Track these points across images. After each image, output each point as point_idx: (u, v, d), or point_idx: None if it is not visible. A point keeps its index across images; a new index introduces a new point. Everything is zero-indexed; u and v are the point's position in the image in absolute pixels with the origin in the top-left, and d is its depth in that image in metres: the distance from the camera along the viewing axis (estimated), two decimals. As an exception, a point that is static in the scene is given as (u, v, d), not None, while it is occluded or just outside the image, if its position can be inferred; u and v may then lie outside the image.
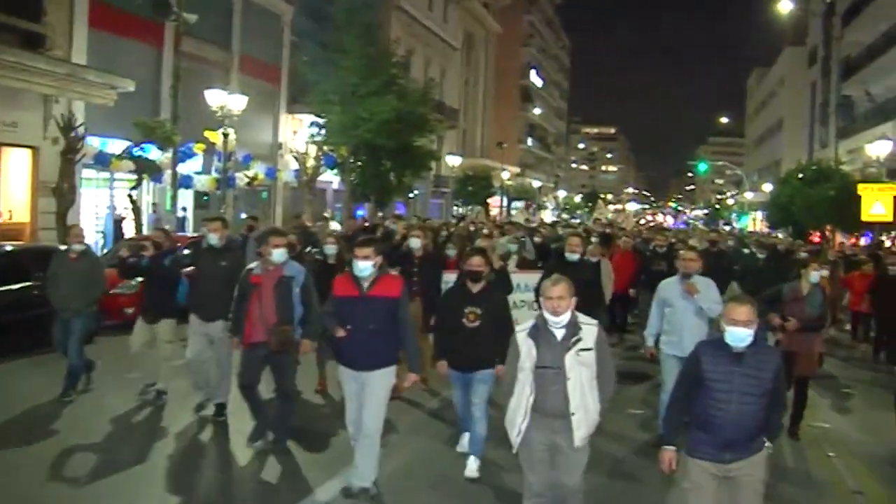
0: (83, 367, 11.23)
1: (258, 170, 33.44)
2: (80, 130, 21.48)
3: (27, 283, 13.54)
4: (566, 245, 12.26)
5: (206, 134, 27.42)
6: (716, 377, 5.80)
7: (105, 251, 21.41)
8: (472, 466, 8.52)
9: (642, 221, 64.73)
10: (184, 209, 29.45)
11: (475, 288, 8.57)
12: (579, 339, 6.25)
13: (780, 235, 34.87)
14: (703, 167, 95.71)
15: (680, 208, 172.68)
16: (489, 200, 62.99)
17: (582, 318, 6.38)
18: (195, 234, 20.23)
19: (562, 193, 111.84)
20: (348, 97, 30.98)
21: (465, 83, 68.16)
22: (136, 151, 23.78)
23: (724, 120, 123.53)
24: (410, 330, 7.92)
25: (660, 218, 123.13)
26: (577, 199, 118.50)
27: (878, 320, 17.09)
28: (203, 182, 29.64)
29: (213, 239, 10.34)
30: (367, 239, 8.18)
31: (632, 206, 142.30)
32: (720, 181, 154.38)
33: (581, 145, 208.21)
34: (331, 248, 11.91)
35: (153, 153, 24.23)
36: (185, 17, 24.09)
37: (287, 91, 38.81)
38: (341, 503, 7.73)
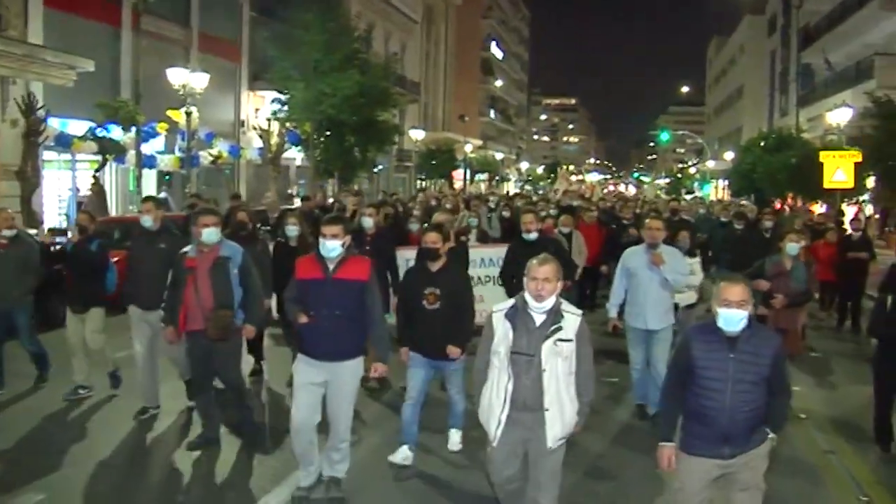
0: (43, 350, 10.84)
1: (221, 148, 33.19)
2: (42, 112, 21.21)
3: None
4: (521, 224, 11.32)
5: (169, 113, 27.22)
6: (708, 364, 5.39)
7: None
8: (454, 439, 8.33)
9: (605, 191, 64.96)
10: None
11: (434, 266, 8.01)
12: (559, 328, 5.68)
13: (745, 203, 35.04)
14: (664, 136, 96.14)
15: (642, 178, 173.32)
16: (453, 173, 63.04)
17: (566, 305, 5.86)
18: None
19: (524, 165, 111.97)
20: (310, 73, 30.79)
21: (425, 56, 67.88)
22: (100, 132, 23.53)
23: (684, 89, 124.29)
24: (379, 316, 7.28)
25: (622, 188, 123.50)
26: (540, 170, 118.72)
27: (841, 289, 17.09)
28: (166, 162, 29.38)
29: (147, 221, 9.59)
30: (335, 216, 7.66)
31: (594, 177, 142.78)
32: (681, 150, 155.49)
33: (542, 117, 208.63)
34: (292, 230, 10.98)
35: (116, 133, 23.99)
36: (142, -6, 23.83)
37: (248, 68, 38.53)
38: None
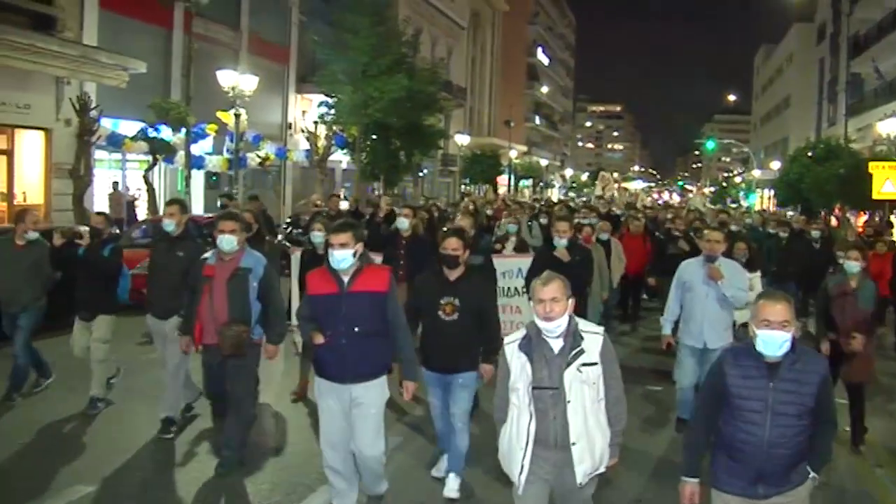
0: (31, 366, 10.12)
1: (268, 150, 33.44)
2: (95, 112, 21.54)
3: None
4: (553, 230, 10.64)
5: (219, 114, 27.46)
6: (745, 393, 4.74)
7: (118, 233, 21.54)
8: (451, 485, 7.33)
9: (650, 199, 64.50)
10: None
11: (452, 275, 7.28)
12: (581, 352, 5.05)
13: (791, 214, 34.69)
14: (710, 145, 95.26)
15: (686, 186, 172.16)
16: (497, 179, 63.03)
17: (584, 324, 5.22)
18: (209, 216, 20.35)
19: (568, 172, 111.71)
20: (358, 77, 31.01)
21: (471, 62, 67.92)
22: (151, 132, 23.83)
23: (731, 98, 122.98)
24: (404, 329, 6.64)
25: (665, 196, 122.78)
26: (584, 177, 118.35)
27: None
28: (214, 162, 29.68)
29: (170, 226, 9.00)
30: (343, 223, 6.74)
31: (637, 185, 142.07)
32: (727, 159, 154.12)
33: (587, 123, 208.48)
34: (318, 236, 10.13)
35: (166, 134, 24.30)
36: (196, -2, 24.11)
37: (296, 71, 38.78)
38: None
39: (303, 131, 36.14)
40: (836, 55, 59.84)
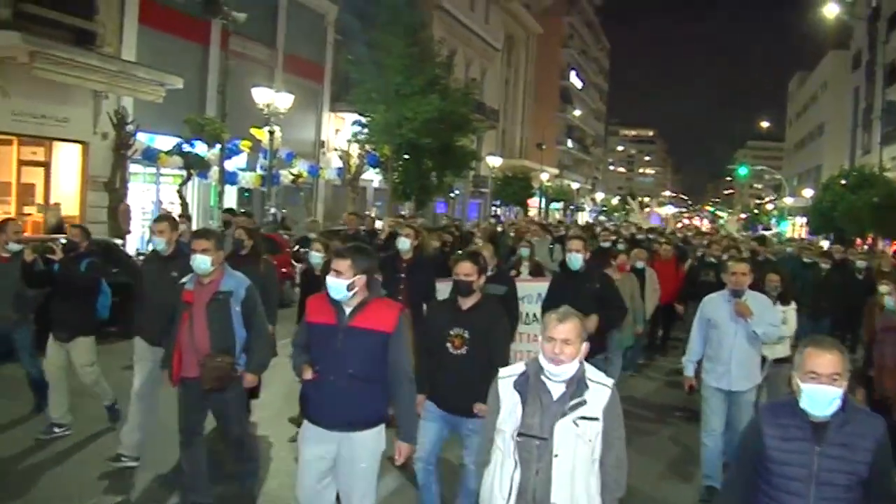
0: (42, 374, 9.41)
1: (301, 167, 33.66)
2: (132, 126, 21.79)
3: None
4: (567, 248, 9.86)
5: (253, 131, 27.67)
6: (785, 458, 4.10)
7: (150, 245, 21.73)
8: None
9: (679, 224, 64.16)
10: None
11: (466, 303, 6.57)
12: (582, 402, 4.36)
13: (826, 243, 34.38)
14: (743, 171, 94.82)
15: (718, 212, 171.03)
16: (528, 201, 63.03)
17: (592, 372, 4.53)
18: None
19: (599, 195, 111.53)
20: (391, 96, 31.15)
21: (505, 84, 68.07)
22: (186, 148, 24.06)
23: (764, 124, 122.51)
24: (407, 377, 5.69)
25: (696, 222, 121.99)
26: (615, 201, 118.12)
27: None
28: (247, 179, 29.88)
29: (160, 244, 8.28)
30: (346, 249, 5.84)
31: (668, 210, 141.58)
32: (759, 186, 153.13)
33: (619, 147, 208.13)
34: (316, 257, 9.62)
35: (201, 149, 24.53)
36: (234, 15, 24.36)
37: (330, 89, 39.02)
38: None
39: (335, 150, 36.36)
40: (872, 83, 59.49)
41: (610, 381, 4.54)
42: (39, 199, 22.62)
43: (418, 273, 9.76)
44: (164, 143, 24.85)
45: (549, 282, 10.83)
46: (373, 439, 5.66)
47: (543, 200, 70.98)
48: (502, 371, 4.68)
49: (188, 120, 24.17)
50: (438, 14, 48.83)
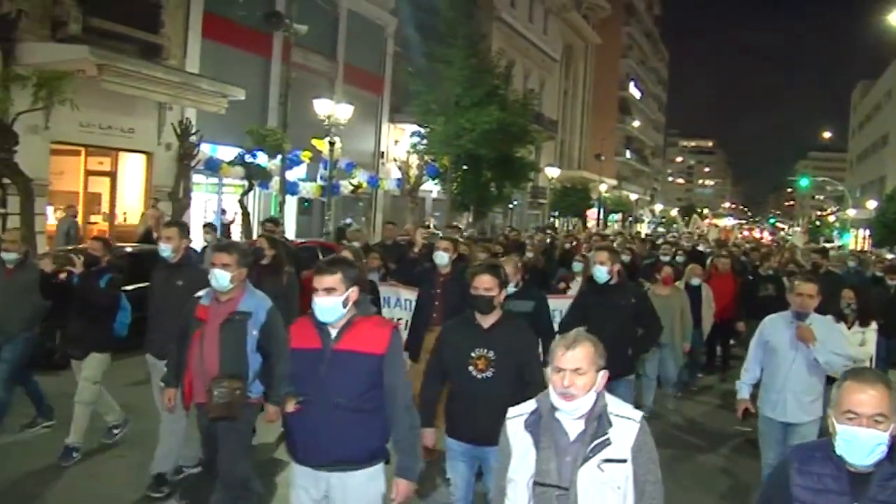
0: (8, 403, 8.85)
1: (361, 178, 33.89)
2: (195, 137, 22.15)
3: None
4: (593, 260, 8.89)
5: (313, 142, 27.93)
6: None
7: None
8: None
9: (740, 236, 63.20)
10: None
11: (487, 321, 5.78)
12: (606, 443, 3.65)
13: (892, 256, 33.68)
14: (804, 182, 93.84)
15: (778, 224, 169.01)
16: (587, 212, 62.79)
17: (615, 404, 3.81)
18: (301, 241, 20.75)
19: (658, 207, 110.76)
20: (451, 108, 31.30)
21: (563, 94, 67.94)
22: (248, 158, 24.37)
23: (826, 134, 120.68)
24: (405, 406, 4.93)
25: (756, 234, 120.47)
26: (674, 212, 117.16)
27: None
28: (308, 189, 30.18)
29: (166, 251, 7.74)
30: (332, 259, 5.24)
31: (728, 221, 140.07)
32: (820, 197, 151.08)
33: (678, 158, 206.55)
34: None
35: (262, 160, 24.83)
36: (295, 28, 24.65)
37: (389, 101, 39.25)
38: None
39: (395, 160, 36.53)
40: (938, 93, 58.45)
41: (638, 415, 3.82)
42: (105, 208, 23.08)
43: (455, 289, 8.40)
44: (227, 153, 25.18)
45: (569, 300, 9.68)
46: (369, 480, 4.92)
47: (602, 212, 70.64)
48: (511, 410, 3.98)
49: (250, 131, 24.50)
50: (497, 25, 48.89)
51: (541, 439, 3.72)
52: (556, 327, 8.55)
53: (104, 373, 8.56)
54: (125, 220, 23.34)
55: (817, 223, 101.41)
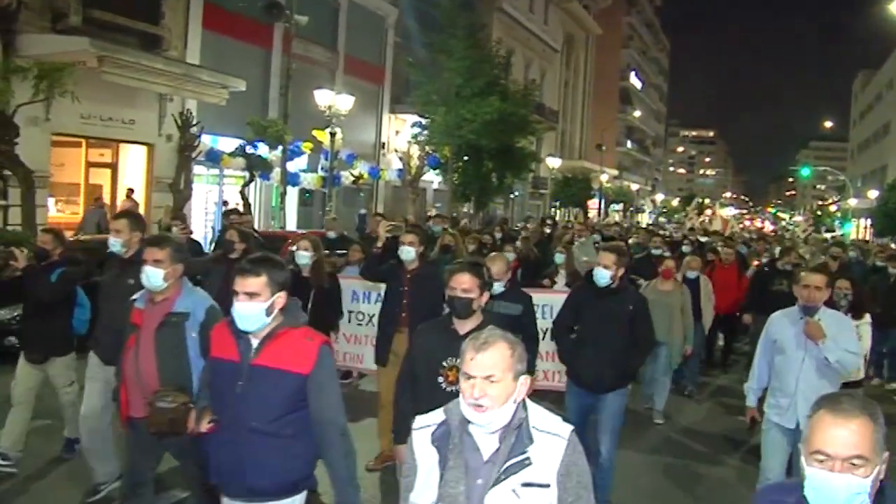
0: None
1: (362, 169, 33.89)
2: (196, 128, 22.13)
3: None
4: (597, 260, 7.65)
5: (314, 133, 27.91)
6: None
7: (213, 246, 22.07)
8: None
9: (740, 226, 62.97)
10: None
11: (464, 326, 4.96)
12: (525, 463, 3.02)
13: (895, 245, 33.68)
14: (806, 171, 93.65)
15: (779, 214, 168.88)
16: (588, 202, 62.78)
17: (541, 416, 3.16)
18: (301, 232, 20.69)
19: (659, 197, 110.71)
20: (451, 98, 31.26)
21: (564, 85, 67.81)
22: (249, 149, 24.37)
23: (827, 124, 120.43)
24: (338, 432, 4.33)
25: (758, 224, 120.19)
26: (675, 202, 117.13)
27: None
28: (309, 180, 30.17)
29: (115, 245, 6.81)
30: (256, 259, 4.39)
31: (729, 211, 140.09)
32: (822, 187, 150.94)
33: (680, 148, 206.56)
34: (304, 257, 8.41)
35: (263, 151, 24.83)
36: (296, 19, 24.63)
37: (390, 91, 39.21)
38: None
39: (396, 151, 36.50)
40: (940, 82, 58.33)
41: (567, 430, 3.13)
42: (106, 199, 23.07)
43: (424, 285, 7.77)
44: (228, 144, 25.22)
45: (561, 296, 8.81)
46: None
47: (603, 202, 70.65)
48: (418, 419, 3.32)
49: (251, 122, 24.52)
50: (498, 16, 48.78)
51: (448, 457, 3.10)
52: (539, 324, 8.09)
53: (76, 370, 7.78)
54: (126, 212, 23.30)
55: (818, 213, 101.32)
